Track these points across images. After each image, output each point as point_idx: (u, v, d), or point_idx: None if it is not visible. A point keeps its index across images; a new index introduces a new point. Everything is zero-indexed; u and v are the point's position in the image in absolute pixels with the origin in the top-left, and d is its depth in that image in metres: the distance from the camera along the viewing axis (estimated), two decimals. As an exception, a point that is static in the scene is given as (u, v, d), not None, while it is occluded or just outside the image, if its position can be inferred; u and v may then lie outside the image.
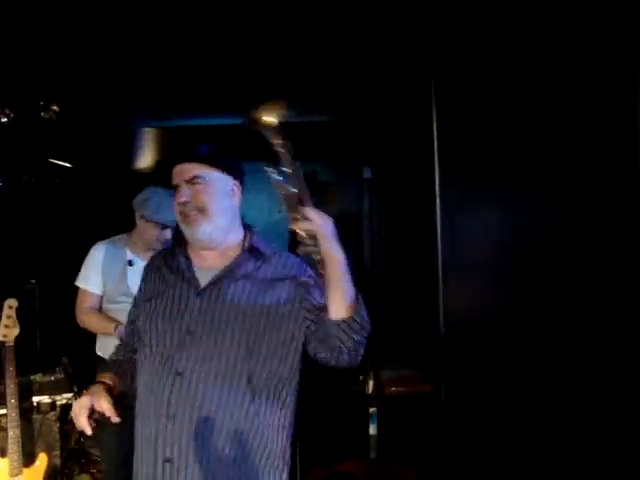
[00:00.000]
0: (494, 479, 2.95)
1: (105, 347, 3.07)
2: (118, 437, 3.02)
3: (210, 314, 1.72)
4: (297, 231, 1.56)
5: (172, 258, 1.89)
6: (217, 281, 1.76)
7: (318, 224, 1.53)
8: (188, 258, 1.85)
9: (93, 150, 4.45)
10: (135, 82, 3.37)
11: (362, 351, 1.66)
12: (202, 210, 1.76)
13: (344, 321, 1.58)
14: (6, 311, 3.25)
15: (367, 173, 4.11)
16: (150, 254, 3.03)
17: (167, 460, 1.69)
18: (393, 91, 3.47)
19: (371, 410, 3.51)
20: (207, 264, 1.82)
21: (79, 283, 3.27)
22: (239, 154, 1.92)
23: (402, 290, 3.89)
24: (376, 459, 3.42)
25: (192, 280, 1.80)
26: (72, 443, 4.53)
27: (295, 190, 1.50)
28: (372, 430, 3.51)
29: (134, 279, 2.97)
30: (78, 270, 3.27)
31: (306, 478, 3.18)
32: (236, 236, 1.86)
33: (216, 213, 1.78)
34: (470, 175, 2.96)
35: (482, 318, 2.99)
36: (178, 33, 2.83)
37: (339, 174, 4.20)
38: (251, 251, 1.83)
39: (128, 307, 2.93)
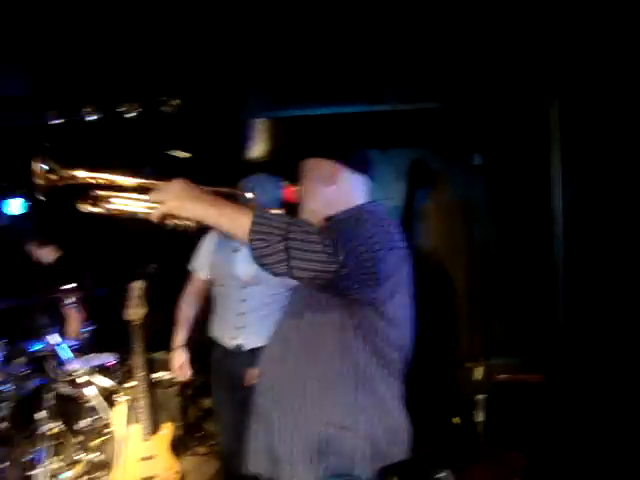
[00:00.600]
0: (602, 468, 2.89)
1: (221, 335, 3.25)
2: (234, 412, 3.21)
3: None
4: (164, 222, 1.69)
5: None
6: None
7: (164, 203, 1.63)
8: None
9: (209, 141, 4.67)
10: (252, 74, 3.51)
11: (295, 253, 1.52)
12: None
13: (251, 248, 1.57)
14: (134, 292, 3.52)
15: (477, 160, 4.08)
16: None
17: None
18: (505, 77, 3.43)
19: (479, 397, 3.51)
20: None
21: (190, 267, 3.44)
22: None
23: (514, 278, 3.84)
24: (484, 445, 3.43)
25: None
26: (191, 417, 4.83)
27: None
28: (479, 417, 3.51)
29: (240, 264, 3.16)
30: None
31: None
32: None
33: None
34: (592, 162, 2.90)
35: (603, 309, 2.92)
36: (298, 22, 2.92)
37: (448, 161, 4.18)
38: None
39: (233, 290, 3.13)
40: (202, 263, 3.36)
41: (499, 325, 3.82)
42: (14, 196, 6.04)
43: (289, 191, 4.33)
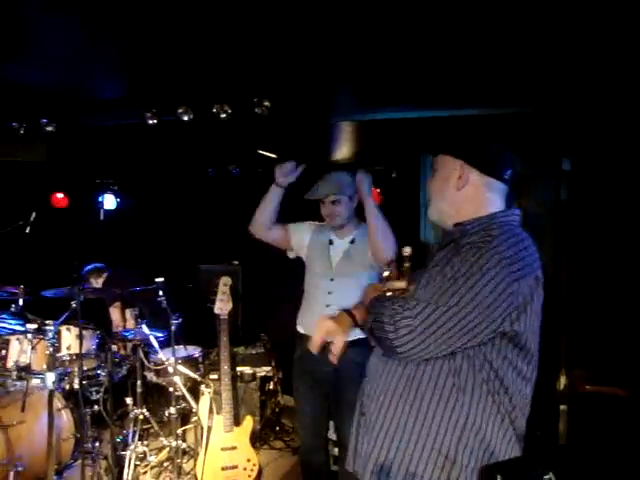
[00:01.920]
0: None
1: (306, 324, 3.29)
2: (314, 408, 3.28)
3: None
4: None
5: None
6: None
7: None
8: None
9: (296, 142, 4.77)
10: (340, 77, 3.57)
11: None
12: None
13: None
14: (221, 288, 3.64)
15: (566, 165, 3.99)
16: (343, 232, 3.26)
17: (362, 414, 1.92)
18: (593, 81, 3.35)
19: (561, 407, 3.45)
20: None
21: (290, 254, 3.47)
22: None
23: (603, 286, 3.74)
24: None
25: None
26: (268, 412, 4.94)
27: None
28: (562, 427, 3.44)
29: (332, 256, 3.25)
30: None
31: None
32: None
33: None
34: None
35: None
36: (393, 22, 2.93)
37: (537, 166, 4.10)
38: None
39: (322, 281, 3.19)
40: (299, 253, 3.43)
41: (583, 335, 3.73)
42: (108, 192, 6.36)
43: (375, 193, 4.37)
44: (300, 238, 3.38)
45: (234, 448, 3.61)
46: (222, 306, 3.61)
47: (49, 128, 4.52)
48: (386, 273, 2.04)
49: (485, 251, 1.61)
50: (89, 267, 5.02)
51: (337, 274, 3.19)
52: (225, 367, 3.63)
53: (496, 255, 1.60)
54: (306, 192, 3.24)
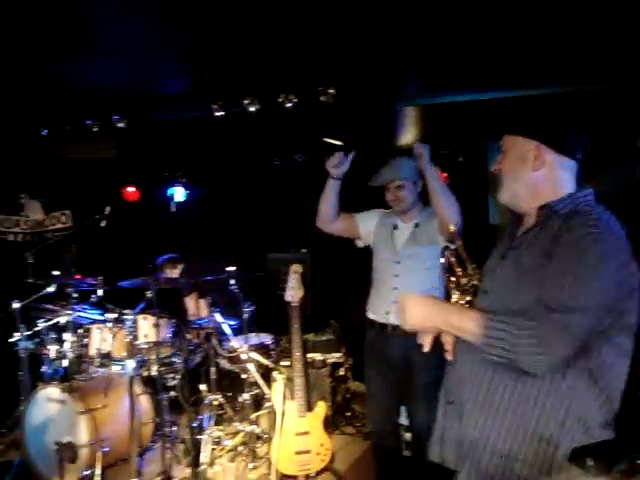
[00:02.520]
0: None
1: (375, 310, 3.30)
2: (385, 393, 3.29)
3: None
4: None
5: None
6: None
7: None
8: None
9: (361, 128, 4.76)
10: (406, 61, 3.54)
11: None
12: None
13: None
14: (292, 275, 3.68)
15: (640, 142, 3.85)
16: (407, 217, 3.26)
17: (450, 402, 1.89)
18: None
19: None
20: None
21: (359, 243, 3.48)
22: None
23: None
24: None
25: None
26: (339, 398, 4.97)
27: None
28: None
29: (397, 239, 3.26)
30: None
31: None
32: None
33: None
34: None
35: None
36: (450, 7, 2.89)
37: (610, 145, 3.97)
38: None
39: (389, 264, 3.20)
40: (365, 239, 3.44)
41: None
42: (177, 185, 6.50)
43: (443, 176, 4.32)
44: (367, 226, 3.41)
45: (307, 433, 3.65)
46: (293, 293, 3.64)
47: (120, 124, 4.67)
48: (453, 245, 2.03)
49: (597, 235, 1.57)
50: (164, 257, 5.15)
51: (402, 257, 3.20)
52: (297, 354, 3.67)
53: (610, 238, 1.58)
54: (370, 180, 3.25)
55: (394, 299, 3.12)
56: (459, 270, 1.94)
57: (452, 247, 2.05)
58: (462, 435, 1.79)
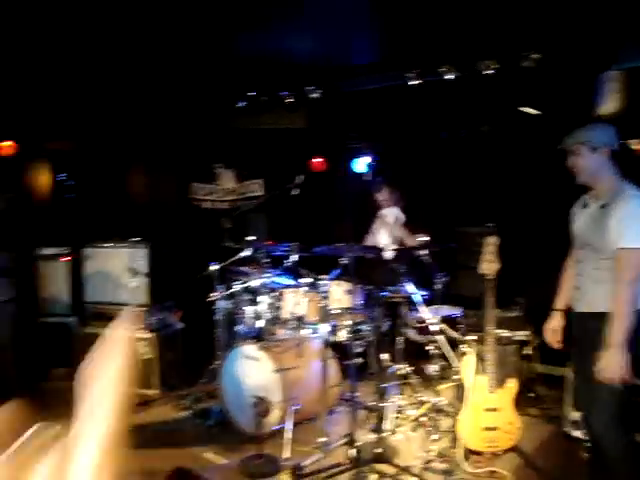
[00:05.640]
0: None
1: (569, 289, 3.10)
2: (578, 376, 3.15)
3: None
4: None
5: None
6: None
7: None
8: None
9: (561, 96, 4.48)
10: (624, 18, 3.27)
11: None
12: None
13: None
14: (488, 248, 3.58)
15: None
16: (596, 194, 2.86)
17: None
18: None
19: None
20: None
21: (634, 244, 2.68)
22: None
23: None
24: None
25: None
26: (523, 378, 4.81)
27: None
28: None
29: (582, 221, 2.93)
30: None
31: None
32: None
33: None
34: None
35: None
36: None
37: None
38: None
39: (576, 248, 2.97)
40: None
41: None
42: (362, 155, 6.56)
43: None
44: None
45: (497, 410, 3.58)
46: (488, 266, 3.56)
47: (314, 95, 4.79)
48: None
49: None
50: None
51: (582, 242, 2.92)
52: (491, 328, 3.59)
53: None
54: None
55: (577, 285, 2.96)
56: None
57: None
58: None
